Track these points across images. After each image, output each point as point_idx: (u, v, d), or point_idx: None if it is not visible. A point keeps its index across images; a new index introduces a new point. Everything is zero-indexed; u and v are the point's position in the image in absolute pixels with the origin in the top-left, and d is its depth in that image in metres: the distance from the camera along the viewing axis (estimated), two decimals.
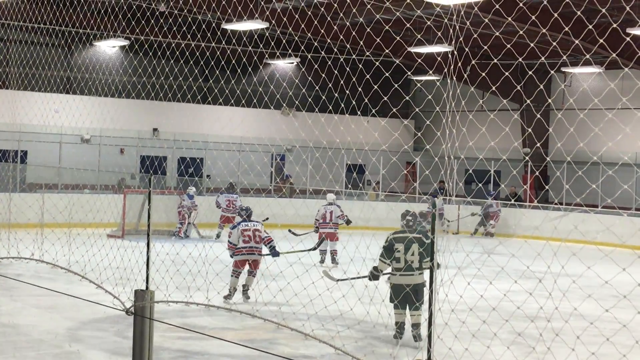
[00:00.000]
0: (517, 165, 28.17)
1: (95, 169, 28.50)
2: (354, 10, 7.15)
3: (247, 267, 13.63)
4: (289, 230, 17.34)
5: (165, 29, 21.50)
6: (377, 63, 6.71)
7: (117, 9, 9.69)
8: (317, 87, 7.28)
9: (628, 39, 5.42)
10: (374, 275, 10.81)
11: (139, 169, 30.07)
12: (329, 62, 7.77)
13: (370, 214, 20.33)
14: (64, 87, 30.16)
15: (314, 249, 16.35)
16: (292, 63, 32.73)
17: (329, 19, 6.54)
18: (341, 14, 7.35)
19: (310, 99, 11.88)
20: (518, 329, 7.98)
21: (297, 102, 28.05)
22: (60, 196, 19.72)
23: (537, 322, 8.04)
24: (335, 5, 6.92)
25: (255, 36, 10.83)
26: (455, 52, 5.75)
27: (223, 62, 9.11)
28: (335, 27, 7.26)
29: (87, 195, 24.71)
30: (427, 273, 10.46)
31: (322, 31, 7.07)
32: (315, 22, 7.44)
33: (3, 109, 20.72)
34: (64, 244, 9.74)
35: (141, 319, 5.87)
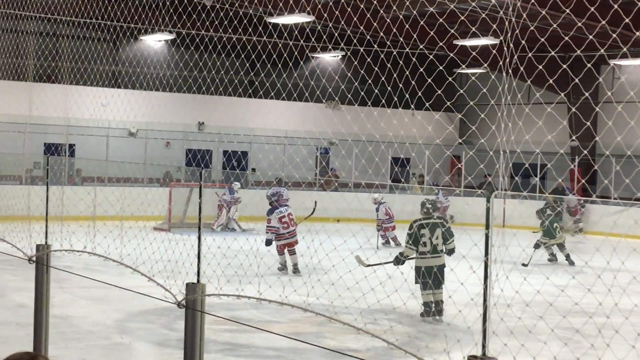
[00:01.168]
0: (563, 159, 27.81)
1: (141, 162, 28.72)
2: (407, 4, 7.10)
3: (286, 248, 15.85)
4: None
5: (216, 22, 21.51)
6: (431, 56, 6.65)
7: (167, 2, 9.70)
8: (369, 81, 7.24)
9: None
10: (399, 260, 11.96)
11: (184, 163, 30.24)
12: (382, 56, 7.73)
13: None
14: (112, 82, 30.38)
15: (312, 213, 18.58)
16: (337, 56, 32.67)
17: (382, 12, 6.50)
18: (394, 7, 7.30)
19: (362, 93, 11.90)
20: (576, 325, 7.87)
21: (349, 96, 27.93)
22: (112, 190, 19.89)
23: (596, 318, 7.91)
24: (375, 1, 6.89)
25: (307, 29, 10.83)
26: (512, 45, 5.66)
27: (275, 56, 9.11)
28: (388, 20, 7.21)
29: (134, 188, 24.93)
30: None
31: (375, 24, 7.02)
32: (368, 15, 7.39)
33: (55, 103, 20.94)
34: (116, 237, 9.80)
35: (192, 312, 5.86)
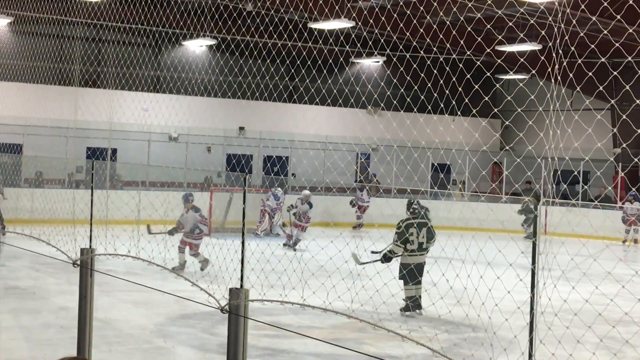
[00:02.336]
0: (607, 165, 27.39)
1: (182, 166, 28.85)
2: (454, 9, 7.05)
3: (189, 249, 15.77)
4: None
5: (255, 28, 21.63)
6: (479, 62, 6.60)
7: (212, 8, 9.74)
8: (415, 87, 7.19)
9: None
10: (388, 257, 12.66)
11: (225, 167, 30.34)
12: (428, 62, 7.69)
13: (470, 214, 20.28)
14: (155, 87, 30.57)
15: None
16: (378, 62, 32.57)
17: (428, 18, 6.48)
18: (441, 13, 7.26)
19: (408, 99, 11.94)
20: (625, 335, 7.75)
21: (395, 102, 27.90)
22: (156, 194, 19.97)
23: None
24: (421, 6, 6.84)
25: (353, 35, 10.78)
26: (561, 52, 5.59)
27: (309, 62, 9.13)
28: (433, 25, 7.17)
29: (178, 192, 25.05)
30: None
31: (422, 30, 6.99)
32: (414, 21, 7.35)
33: (101, 108, 21.13)
34: (160, 241, 9.83)
35: (236, 318, 5.84)
